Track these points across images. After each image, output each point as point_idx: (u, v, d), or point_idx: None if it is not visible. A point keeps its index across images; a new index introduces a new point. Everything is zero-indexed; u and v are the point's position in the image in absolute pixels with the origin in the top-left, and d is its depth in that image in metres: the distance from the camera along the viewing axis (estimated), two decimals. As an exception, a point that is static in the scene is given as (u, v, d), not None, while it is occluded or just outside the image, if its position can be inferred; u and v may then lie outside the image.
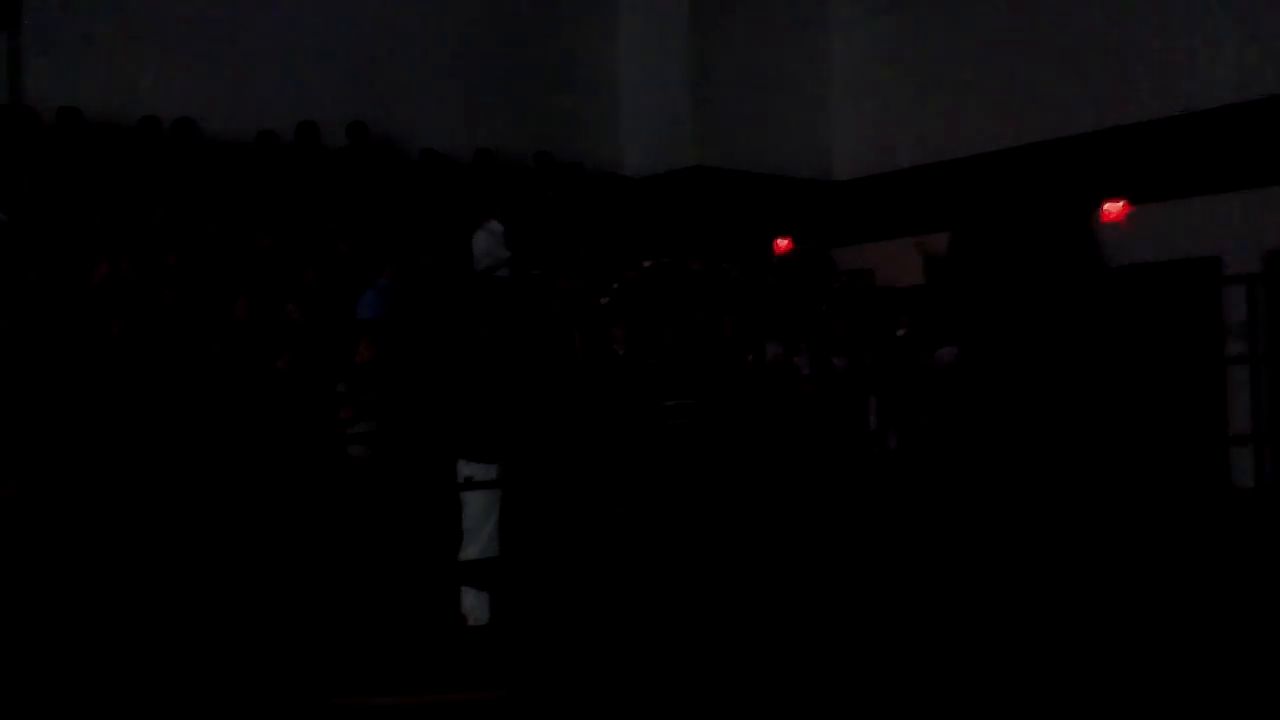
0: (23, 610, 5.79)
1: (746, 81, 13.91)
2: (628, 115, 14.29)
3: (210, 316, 8.06)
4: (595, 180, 13.19)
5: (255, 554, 6.35)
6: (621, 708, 5.13)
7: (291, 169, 10.83)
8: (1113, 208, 11.80)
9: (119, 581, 6.12)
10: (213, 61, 11.37)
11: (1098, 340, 5.68)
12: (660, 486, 7.91)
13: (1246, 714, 4.70)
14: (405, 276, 9.09)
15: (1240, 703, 4.76)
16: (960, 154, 12.62)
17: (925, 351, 10.37)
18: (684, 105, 13.70)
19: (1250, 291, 6.63)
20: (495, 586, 6.28)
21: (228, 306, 8.16)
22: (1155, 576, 6.70)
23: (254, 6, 11.72)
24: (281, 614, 6.08)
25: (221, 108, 11.14)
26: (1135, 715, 4.71)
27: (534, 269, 10.27)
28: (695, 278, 11.55)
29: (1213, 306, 10.82)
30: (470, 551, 6.38)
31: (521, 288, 9.72)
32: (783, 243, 13.57)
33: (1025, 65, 12.68)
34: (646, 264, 11.40)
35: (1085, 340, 5.58)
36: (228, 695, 5.27)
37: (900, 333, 10.98)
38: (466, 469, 6.41)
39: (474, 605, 6.33)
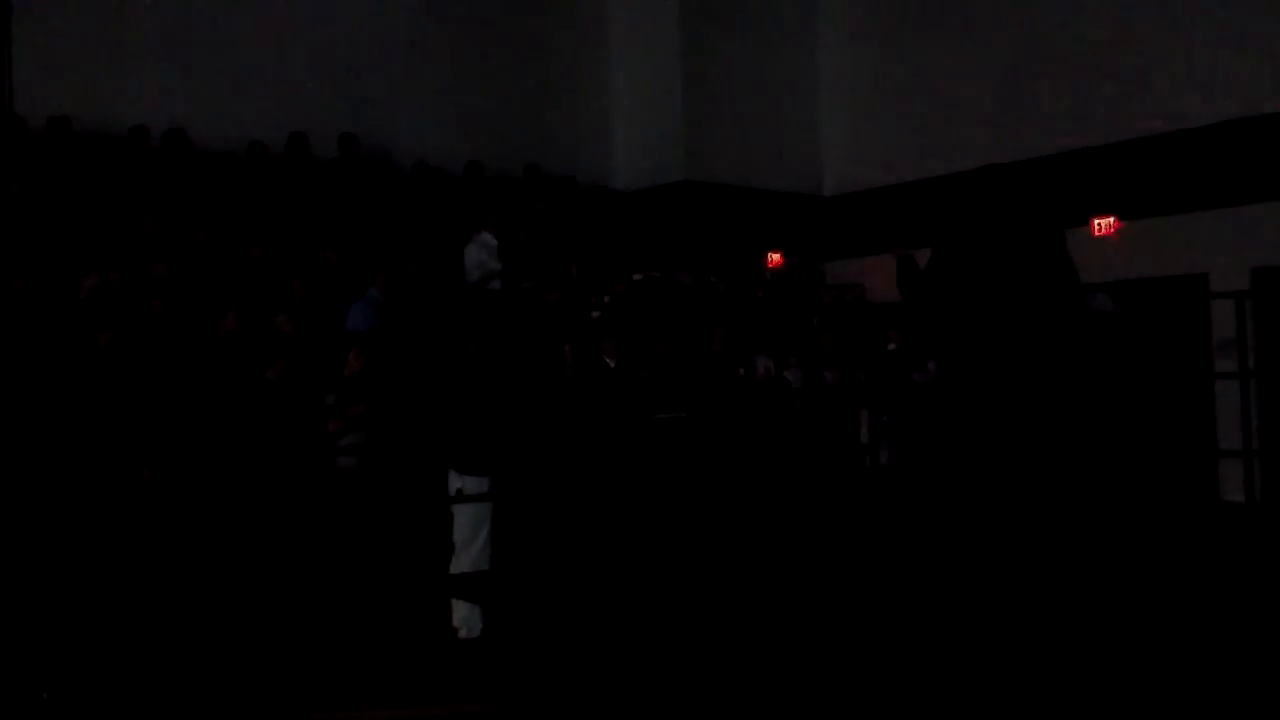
0: (9, 625, 5.74)
1: (737, 96, 13.95)
2: (619, 129, 14.32)
3: (199, 327, 8.02)
4: (586, 194, 13.20)
5: (244, 566, 6.31)
6: (614, 721, 5.10)
7: (282, 180, 10.81)
8: (1102, 223, 11.87)
9: (105, 592, 6.07)
10: (203, 72, 11.36)
11: (1080, 355, 5.67)
12: (651, 499, 7.89)
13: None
14: (396, 288, 9.07)
15: (1230, 711, 4.77)
16: (950, 169, 12.66)
17: (916, 365, 10.39)
18: (675, 119, 13.73)
19: (1238, 308, 6.65)
20: (487, 599, 6.25)
21: (217, 317, 8.12)
22: (1145, 590, 6.70)
23: (245, 17, 11.71)
24: (270, 626, 6.03)
25: (212, 118, 11.12)
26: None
27: (525, 282, 10.27)
28: (685, 291, 11.56)
29: (1201, 322, 10.89)
30: (461, 564, 6.35)
31: (512, 301, 9.71)
32: (775, 257, 13.61)
33: (1015, 82, 12.75)
34: (637, 277, 11.41)
35: (1067, 355, 5.58)
36: (214, 708, 5.22)
37: (891, 346, 11.00)
38: (458, 481, 6.39)
39: (466, 618, 6.30)
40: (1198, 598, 6.65)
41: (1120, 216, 11.88)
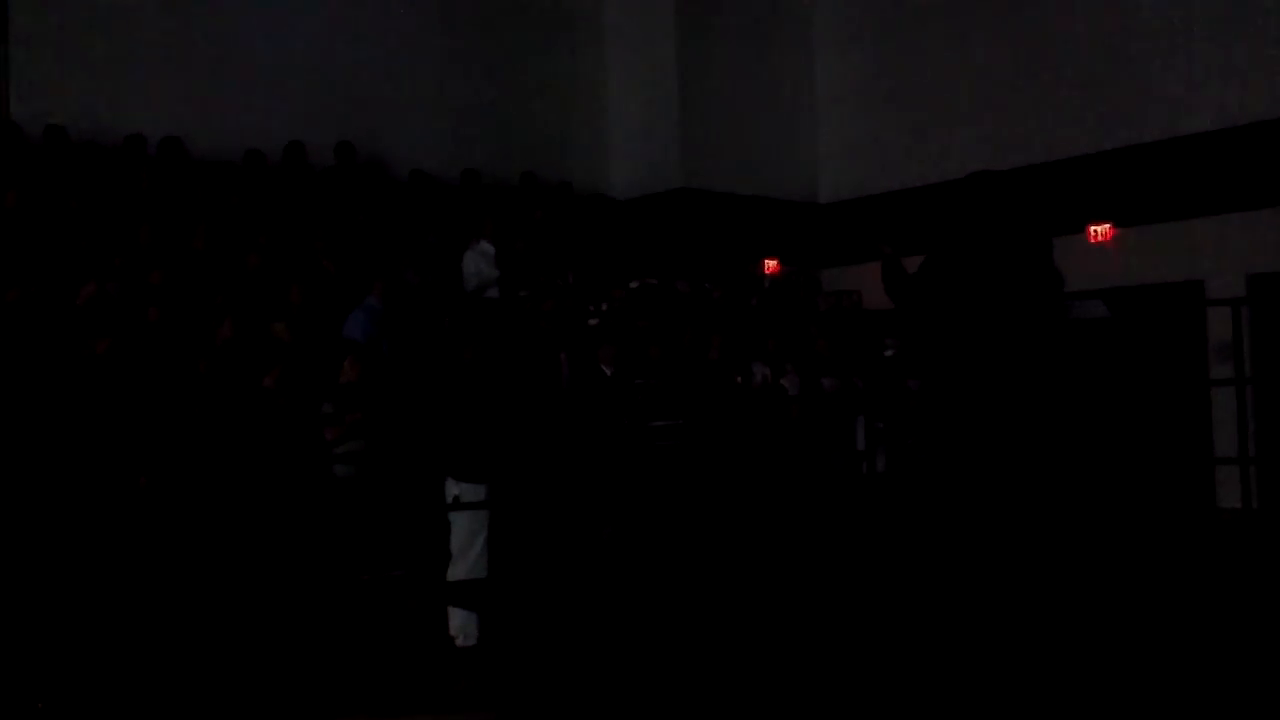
0: (6, 632, 5.73)
1: (733, 104, 13.98)
2: (615, 137, 14.34)
3: (196, 335, 8.02)
4: (582, 201, 13.21)
5: (240, 574, 6.30)
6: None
7: (278, 189, 10.81)
8: (1099, 230, 11.90)
9: (102, 600, 6.06)
10: (200, 81, 11.37)
11: (1064, 363, 5.67)
12: (648, 507, 7.89)
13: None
14: (394, 297, 9.08)
15: (1226, 715, 4.77)
16: (946, 177, 12.68)
17: (912, 372, 10.40)
18: (671, 127, 13.76)
19: (1235, 314, 6.65)
20: (484, 607, 6.25)
21: (214, 325, 8.12)
22: (1141, 597, 6.70)
23: (242, 26, 11.72)
24: (267, 635, 6.02)
25: (208, 127, 11.13)
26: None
27: (522, 290, 10.28)
28: (682, 299, 11.57)
29: (1197, 329, 10.91)
30: (458, 572, 6.35)
31: (509, 309, 9.72)
32: (772, 264, 13.63)
33: (1012, 89, 12.78)
34: (633, 285, 11.42)
35: (1051, 363, 5.58)
36: (212, 718, 5.21)
37: (888, 353, 11.01)
38: (455, 489, 6.39)
39: (462, 626, 6.29)
40: (1194, 604, 6.65)
41: (1117, 223, 11.90)
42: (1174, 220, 11.44)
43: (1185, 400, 10.96)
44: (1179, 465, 10.83)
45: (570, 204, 12.92)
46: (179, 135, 10.63)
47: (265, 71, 11.73)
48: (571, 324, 9.72)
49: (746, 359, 10.12)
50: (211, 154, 10.91)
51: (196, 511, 6.47)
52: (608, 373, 8.82)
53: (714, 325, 10.52)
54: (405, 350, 8.65)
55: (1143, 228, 11.66)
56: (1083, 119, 12.15)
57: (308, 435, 7.33)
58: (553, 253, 11.45)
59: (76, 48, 10.86)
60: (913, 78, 13.73)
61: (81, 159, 10.07)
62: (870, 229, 13.77)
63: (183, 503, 6.50)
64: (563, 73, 14.05)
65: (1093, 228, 11.95)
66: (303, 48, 12.03)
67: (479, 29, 13.39)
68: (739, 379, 9.76)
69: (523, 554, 6.72)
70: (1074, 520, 6.05)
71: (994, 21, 13.05)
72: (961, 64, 13.25)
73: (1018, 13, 12.84)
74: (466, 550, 6.34)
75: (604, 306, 10.47)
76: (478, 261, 10.18)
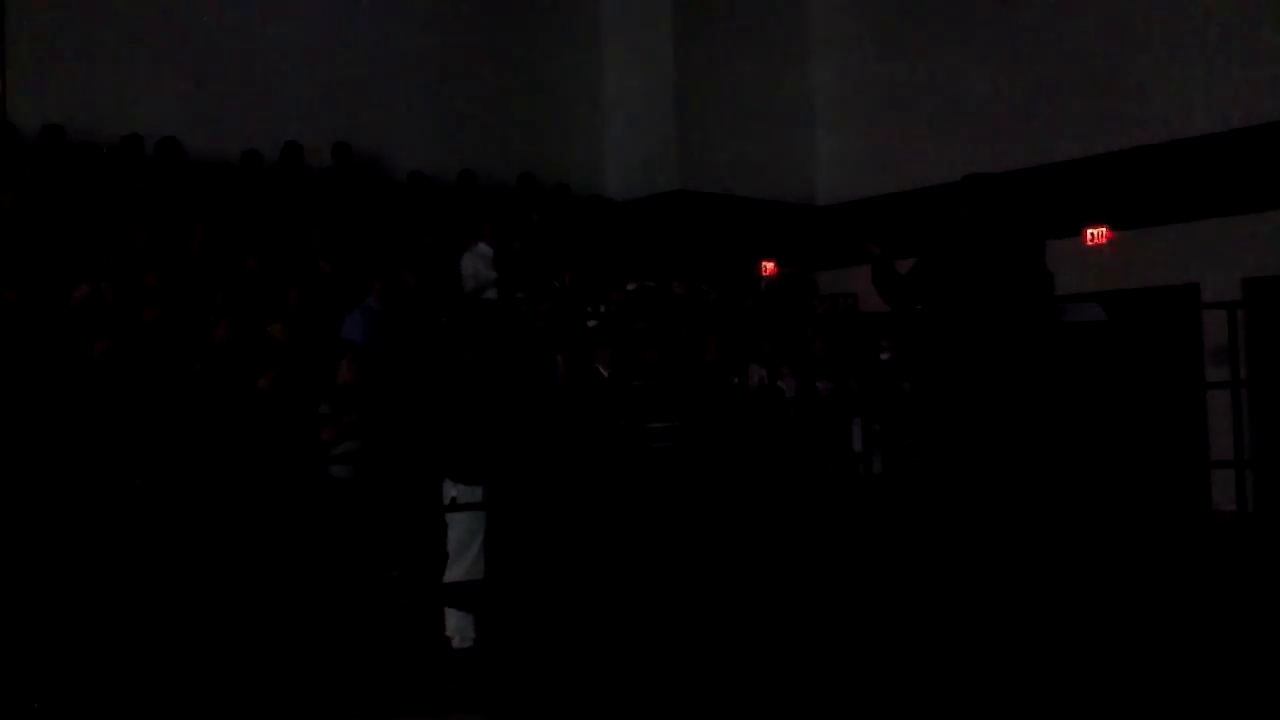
0: (7, 636, 5.73)
1: (730, 106, 13.98)
2: (612, 139, 14.35)
3: (193, 336, 8.01)
4: (579, 203, 13.21)
5: (236, 575, 6.30)
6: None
7: (276, 189, 10.81)
8: (1095, 233, 11.92)
9: (99, 601, 6.06)
10: (197, 81, 11.36)
11: (1055, 366, 5.68)
12: (644, 509, 7.89)
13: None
14: (392, 298, 9.07)
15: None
16: (943, 179, 12.69)
17: (908, 375, 10.41)
18: (668, 129, 13.76)
19: (1230, 318, 6.68)
20: (480, 608, 6.25)
21: (210, 326, 8.12)
22: (1136, 599, 6.71)
23: (239, 26, 11.72)
24: (263, 635, 6.02)
25: (205, 127, 11.13)
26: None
27: (519, 291, 10.28)
28: (679, 301, 11.58)
29: (1193, 332, 10.92)
30: (455, 573, 6.34)
31: (507, 310, 9.72)
32: (769, 266, 13.62)
33: (1009, 92, 12.80)
34: (630, 287, 11.42)
35: (1041, 365, 5.59)
36: (206, 717, 5.21)
37: (884, 356, 11.02)
38: (452, 490, 6.38)
39: (459, 627, 6.29)
40: (1189, 607, 6.66)
41: (1112, 226, 11.92)
42: (1170, 223, 11.46)
43: (1181, 403, 10.97)
44: (1175, 468, 10.85)
45: (568, 205, 12.92)
46: (176, 135, 10.63)
47: (263, 72, 11.73)
48: (568, 326, 9.72)
49: (743, 361, 10.12)
50: (208, 154, 10.91)
51: (193, 513, 6.47)
52: (604, 374, 8.82)
53: (711, 327, 10.53)
54: (402, 351, 8.64)
55: (1138, 231, 11.68)
56: (1079, 122, 12.17)
57: (304, 436, 7.33)
58: (550, 254, 11.46)
59: (73, 47, 10.85)
60: (910, 80, 13.74)
61: (78, 159, 10.06)
62: (867, 231, 13.78)
63: (179, 504, 6.50)
64: (560, 74, 14.05)
65: (1089, 231, 11.97)
66: (300, 49, 12.03)
67: (476, 30, 13.40)
68: (736, 381, 9.77)
69: (519, 555, 6.72)
70: (1070, 523, 6.06)
71: (991, 25, 13.06)
72: (959, 67, 13.27)
73: (1014, 17, 12.86)
74: (463, 551, 6.34)
75: (601, 308, 10.47)
76: (476, 263, 10.18)
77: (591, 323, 10.02)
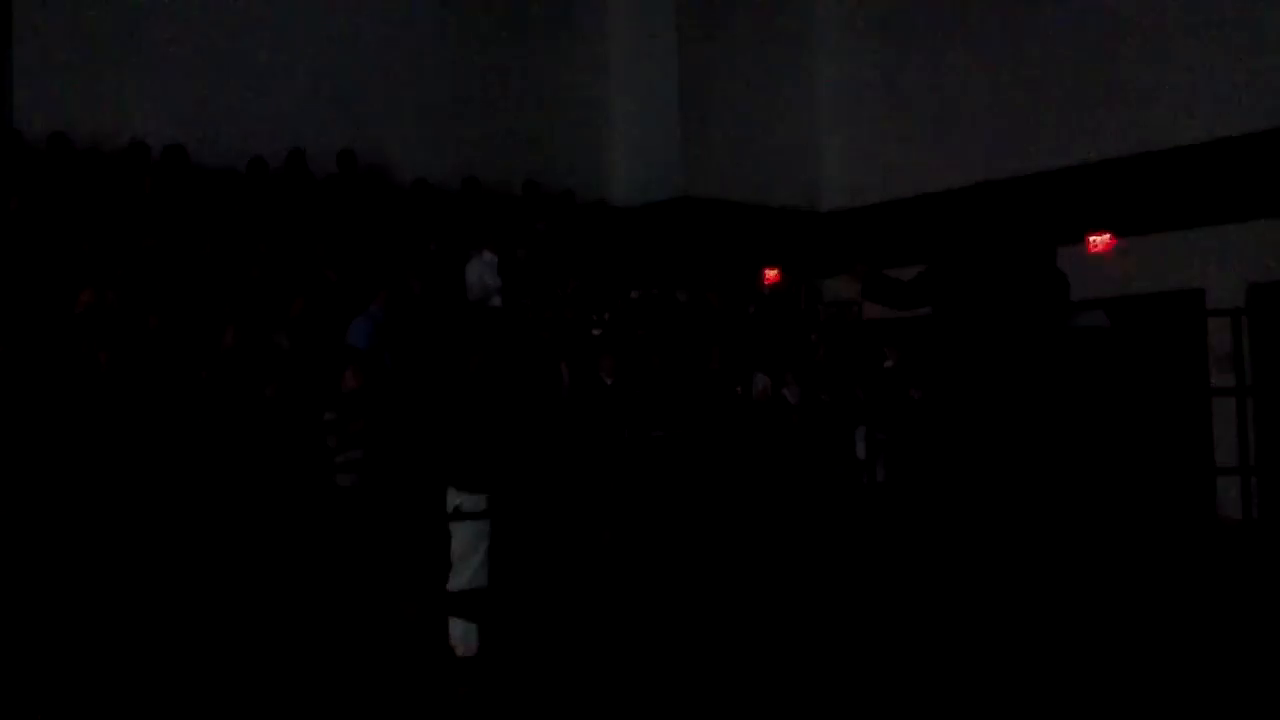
0: (11, 647, 5.74)
1: (734, 112, 14.00)
2: (616, 146, 14.37)
3: (199, 344, 8.03)
4: (583, 210, 13.23)
5: (242, 582, 6.30)
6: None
7: (281, 196, 10.83)
8: (1099, 240, 11.91)
9: (101, 609, 6.07)
10: (203, 88, 11.39)
11: (1066, 373, 5.68)
12: (648, 517, 7.89)
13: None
14: (397, 305, 9.08)
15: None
16: (947, 186, 12.71)
17: (913, 383, 10.41)
18: (672, 136, 13.78)
19: (1235, 324, 6.68)
20: (484, 617, 6.24)
21: (216, 334, 8.13)
22: (1142, 606, 6.70)
23: (244, 34, 11.75)
24: (267, 643, 6.03)
25: (211, 135, 11.14)
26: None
27: (525, 299, 10.29)
28: (682, 309, 11.58)
29: (1198, 339, 10.91)
30: (459, 581, 6.34)
31: (513, 317, 9.73)
32: (773, 273, 13.62)
33: (1012, 99, 12.81)
34: (634, 295, 11.43)
35: (1053, 373, 5.59)
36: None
37: (888, 364, 11.02)
38: (456, 498, 6.38)
39: (463, 635, 6.28)
40: (1195, 614, 6.65)
41: (1116, 233, 11.92)
42: (1174, 230, 11.45)
43: (1186, 410, 10.96)
44: (1180, 475, 10.83)
45: (572, 212, 12.93)
46: (182, 143, 10.66)
47: (268, 79, 11.76)
48: (573, 333, 9.73)
49: (747, 369, 10.12)
50: (214, 162, 10.94)
51: (198, 520, 6.48)
52: (608, 382, 8.83)
53: (714, 335, 10.53)
54: (407, 359, 8.65)
55: (1143, 237, 11.67)
56: (1084, 128, 12.18)
57: (310, 444, 7.34)
58: (554, 261, 11.47)
59: (80, 55, 10.88)
60: (914, 87, 13.76)
61: (84, 166, 10.09)
62: (871, 238, 13.79)
63: (184, 511, 6.51)
64: (564, 81, 14.07)
65: (1092, 238, 11.96)
66: (305, 56, 12.06)
67: (480, 37, 13.42)
68: (739, 389, 9.77)
69: (523, 564, 6.72)
70: (1076, 530, 6.05)
71: (995, 32, 13.08)
72: (962, 74, 13.28)
73: (1018, 24, 12.87)
74: (467, 560, 6.33)
75: (608, 315, 10.48)
76: (481, 270, 10.19)
77: (597, 331, 10.03)
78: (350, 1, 12.49)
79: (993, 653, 5.34)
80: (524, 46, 13.75)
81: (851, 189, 14.37)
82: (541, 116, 13.79)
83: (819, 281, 14.28)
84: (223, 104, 11.46)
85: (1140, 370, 11.21)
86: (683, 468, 8.31)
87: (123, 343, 7.54)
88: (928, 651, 5.60)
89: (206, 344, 8.04)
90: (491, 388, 6.98)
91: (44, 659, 5.66)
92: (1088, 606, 5.93)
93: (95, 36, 10.99)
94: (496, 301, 10.06)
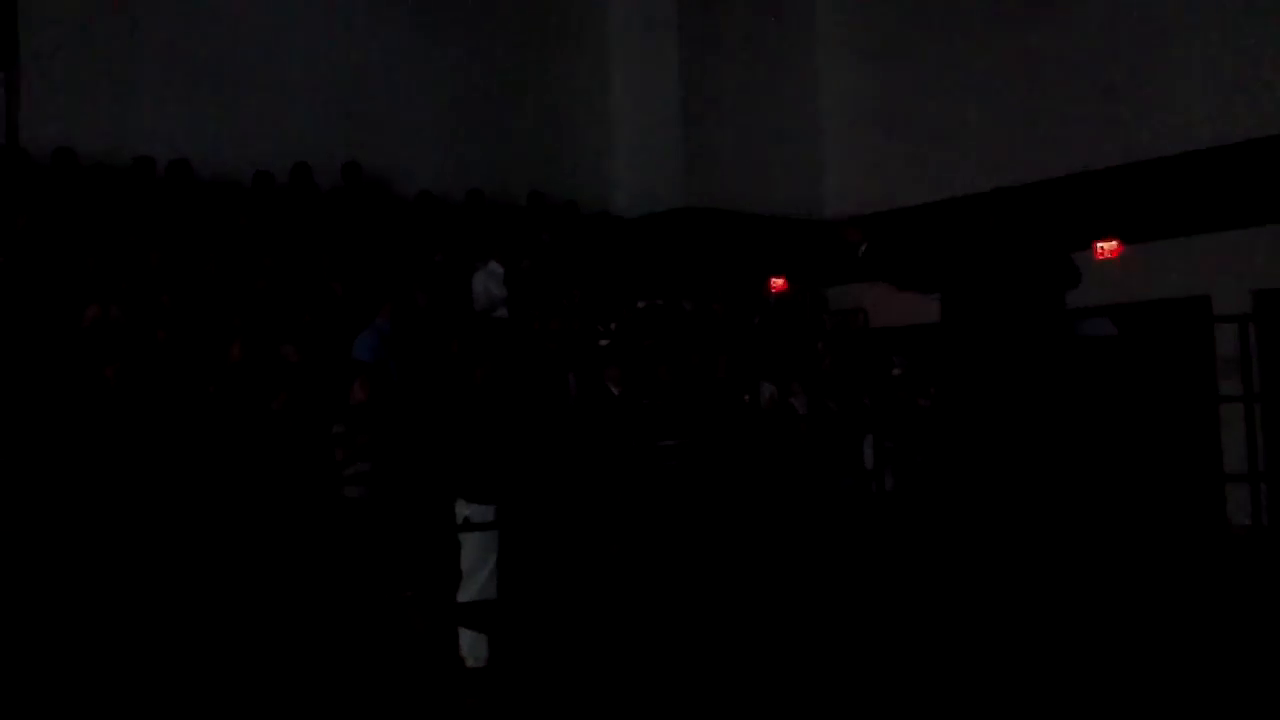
0: (11, 657, 5.74)
1: (738, 122, 14.01)
2: (620, 156, 14.38)
3: (206, 357, 8.04)
4: (588, 221, 13.24)
5: (251, 595, 6.30)
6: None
7: (286, 210, 10.85)
8: (1105, 247, 11.90)
9: (110, 622, 6.06)
10: (207, 103, 11.42)
11: (1070, 380, 5.69)
12: (656, 527, 7.87)
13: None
14: (403, 318, 9.09)
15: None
16: (951, 194, 12.71)
17: (920, 390, 10.39)
18: (676, 146, 13.79)
19: (1241, 330, 6.66)
20: (494, 628, 6.23)
21: (223, 347, 8.14)
22: (1151, 612, 6.68)
23: (248, 49, 11.78)
24: (277, 656, 6.02)
25: (216, 149, 11.18)
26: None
27: (531, 309, 10.29)
28: (688, 318, 11.58)
29: (1204, 345, 10.89)
30: (468, 593, 6.33)
31: (518, 328, 9.73)
32: (778, 282, 13.62)
33: (1017, 106, 12.81)
34: (640, 305, 11.43)
35: (1056, 380, 5.59)
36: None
37: (895, 372, 11.01)
38: (464, 510, 6.38)
39: (472, 647, 6.28)
40: (1204, 621, 6.63)
41: (1123, 240, 11.90)
42: (1180, 236, 11.44)
43: (1193, 417, 10.93)
44: (1189, 482, 10.80)
45: (576, 223, 12.94)
46: (187, 157, 10.68)
47: (272, 94, 11.78)
48: (579, 344, 9.73)
49: (754, 378, 10.11)
50: (219, 176, 10.96)
51: (207, 534, 6.47)
52: (615, 393, 8.82)
53: (721, 344, 10.52)
54: (414, 371, 8.66)
55: (1149, 244, 11.65)
56: (1087, 136, 12.17)
57: (317, 457, 7.34)
58: (559, 272, 11.47)
59: (85, 71, 10.92)
60: (918, 94, 13.76)
61: (90, 181, 10.12)
62: (876, 247, 13.76)
63: (192, 524, 6.50)
64: (568, 92, 14.10)
65: (1099, 244, 11.94)
66: (309, 69, 12.08)
67: (484, 50, 13.45)
68: (746, 398, 9.76)
69: (532, 575, 6.71)
70: (1084, 537, 6.04)
71: (999, 39, 13.08)
72: (967, 80, 13.28)
73: (1023, 31, 12.87)
74: (476, 571, 6.32)
75: (614, 325, 10.48)
76: (486, 282, 10.20)
77: (604, 341, 10.02)
78: (354, 16, 12.52)
79: (1002, 659, 5.32)
80: (528, 59, 13.77)
81: (856, 197, 14.36)
82: (545, 128, 13.81)
83: (824, 290, 14.27)
84: (227, 118, 11.49)
85: (1147, 377, 11.18)
86: (691, 477, 8.30)
87: (129, 357, 7.55)
88: (938, 660, 5.58)
89: (213, 358, 8.05)
90: (498, 398, 6.98)
91: (49, 676, 5.66)
92: (1097, 613, 5.92)
93: (100, 53, 11.03)
94: (502, 312, 10.06)
